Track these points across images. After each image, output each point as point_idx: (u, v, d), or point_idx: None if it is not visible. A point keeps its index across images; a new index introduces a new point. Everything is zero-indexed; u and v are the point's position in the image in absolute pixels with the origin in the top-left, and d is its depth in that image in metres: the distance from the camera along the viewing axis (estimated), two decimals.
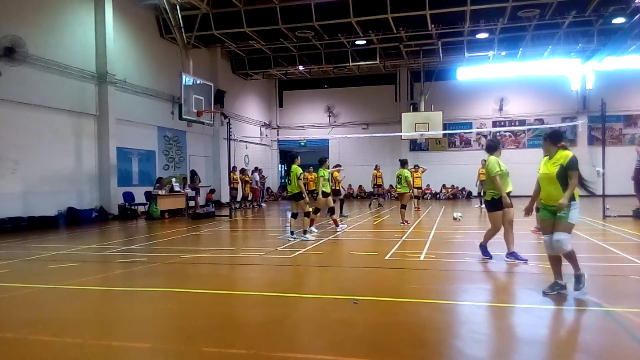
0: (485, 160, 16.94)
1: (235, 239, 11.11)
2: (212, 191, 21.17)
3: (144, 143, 18.16)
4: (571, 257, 4.90)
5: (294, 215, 10.01)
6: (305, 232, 9.57)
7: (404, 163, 12.99)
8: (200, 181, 18.91)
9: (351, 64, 23.64)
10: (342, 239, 9.91)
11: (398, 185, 12.82)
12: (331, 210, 11.56)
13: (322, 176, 11.60)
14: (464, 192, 26.65)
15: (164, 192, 16.14)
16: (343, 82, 28.81)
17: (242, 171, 21.09)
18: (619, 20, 18.46)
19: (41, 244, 9.88)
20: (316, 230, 10.81)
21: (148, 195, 16.21)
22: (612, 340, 3.75)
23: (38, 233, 11.81)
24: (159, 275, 6.67)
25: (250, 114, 26.99)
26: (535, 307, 4.57)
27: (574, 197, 4.80)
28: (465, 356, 3.48)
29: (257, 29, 19.04)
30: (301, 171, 9.92)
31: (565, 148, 4.95)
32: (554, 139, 5.04)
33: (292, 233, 9.62)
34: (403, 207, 12.47)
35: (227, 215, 15.56)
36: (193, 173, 19.43)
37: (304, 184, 19.36)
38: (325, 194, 11.47)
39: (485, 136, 27.32)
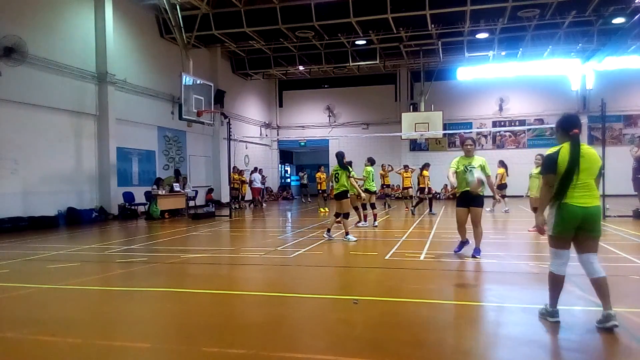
0: None
1: (235, 239, 11.11)
2: (211, 191, 21.17)
3: (144, 143, 18.16)
4: (549, 280, 4.03)
5: (337, 215, 9.56)
6: (347, 233, 9.36)
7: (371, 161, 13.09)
8: (184, 182, 18.32)
9: (351, 64, 23.62)
10: (342, 239, 9.91)
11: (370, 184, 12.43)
12: (363, 207, 12.02)
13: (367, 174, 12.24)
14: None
15: (163, 192, 16.15)
16: (343, 82, 28.79)
17: (240, 172, 21.05)
18: (619, 20, 18.45)
19: (41, 244, 9.88)
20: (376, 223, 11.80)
21: (148, 195, 16.21)
22: (612, 340, 3.74)
23: (38, 233, 11.81)
24: (159, 275, 6.67)
25: (250, 114, 26.98)
26: (535, 307, 4.56)
27: (553, 204, 3.92)
28: (465, 356, 3.48)
29: (257, 29, 19.03)
30: (352, 171, 9.92)
31: (575, 138, 3.87)
32: (564, 127, 4.02)
33: (328, 231, 9.61)
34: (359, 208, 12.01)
35: (227, 215, 15.56)
36: (177, 173, 19.06)
37: (319, 183, 19.63)
38: (367, 191, 11.94)
39: (485, 136, 27.34)
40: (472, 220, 7.11)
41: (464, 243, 7.39)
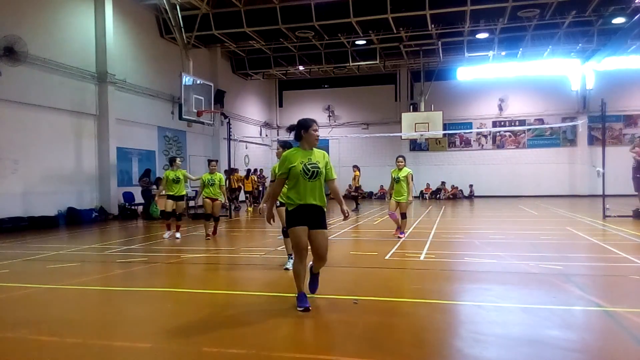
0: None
1: (235, 239, 11.11)
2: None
3: (144, 143, 18.16)
4: None
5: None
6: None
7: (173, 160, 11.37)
8: (150, 183, 16.43)
9: (351, 64, 23.64)
10: (342, 239, 9.92)
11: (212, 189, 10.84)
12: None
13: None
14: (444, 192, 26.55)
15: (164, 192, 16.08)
16: (343, 82, 28.81)
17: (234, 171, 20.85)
18: (619, 20, 18.47)
19: (41, 244, 9.88)
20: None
21: (147, 195, 16.19)
22: (612, 340, 3.74)
23: (38, 233, 11.81)
24: (158, 275, 6.67)
25: (250, 114, 26.99)
26: (535, 307, 4.57)
27: None
28: (465, 356, 3.48)
29: (257, 29, 19.04)
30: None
31: None
32: None
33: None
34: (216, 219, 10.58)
35: (227, 215, 15.55)
36: (147, 172, 17.00)
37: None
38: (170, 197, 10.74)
39: (485, 136, 27.33)
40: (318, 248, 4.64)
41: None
